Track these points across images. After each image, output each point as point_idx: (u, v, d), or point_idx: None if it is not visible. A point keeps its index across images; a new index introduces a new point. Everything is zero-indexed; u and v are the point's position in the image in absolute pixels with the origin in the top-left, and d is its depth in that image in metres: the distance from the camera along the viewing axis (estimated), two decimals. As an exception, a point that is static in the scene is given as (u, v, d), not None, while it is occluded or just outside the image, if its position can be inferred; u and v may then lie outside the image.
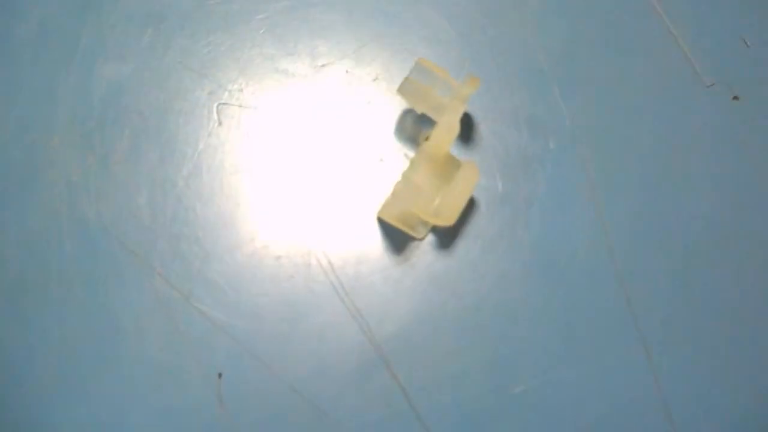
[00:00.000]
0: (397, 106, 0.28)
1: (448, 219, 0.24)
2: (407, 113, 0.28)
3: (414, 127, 0.28)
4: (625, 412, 0.24)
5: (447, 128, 0.25)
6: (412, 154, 0.28)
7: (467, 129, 0.28)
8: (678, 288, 0.26)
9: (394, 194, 0.25)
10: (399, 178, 0.24)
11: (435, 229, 0.27)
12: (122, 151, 0.27)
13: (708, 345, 0.25)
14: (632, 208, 0.27)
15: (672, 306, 0.26)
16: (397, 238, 0.26)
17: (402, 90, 0.26)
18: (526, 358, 0.25)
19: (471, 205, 0.27)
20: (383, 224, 0.26)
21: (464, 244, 0.26)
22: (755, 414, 0.25)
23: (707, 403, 0.25)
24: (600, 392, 0.25)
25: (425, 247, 0.26)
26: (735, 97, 0.30)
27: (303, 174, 0.27)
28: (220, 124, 0.28)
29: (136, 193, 0.27)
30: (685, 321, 0.26)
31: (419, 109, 0.27)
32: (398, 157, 0.28)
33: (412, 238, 0.26)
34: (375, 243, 0.26)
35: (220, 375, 0.24)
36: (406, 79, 0.26)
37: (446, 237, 0.26)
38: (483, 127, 0.28)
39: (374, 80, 0.29)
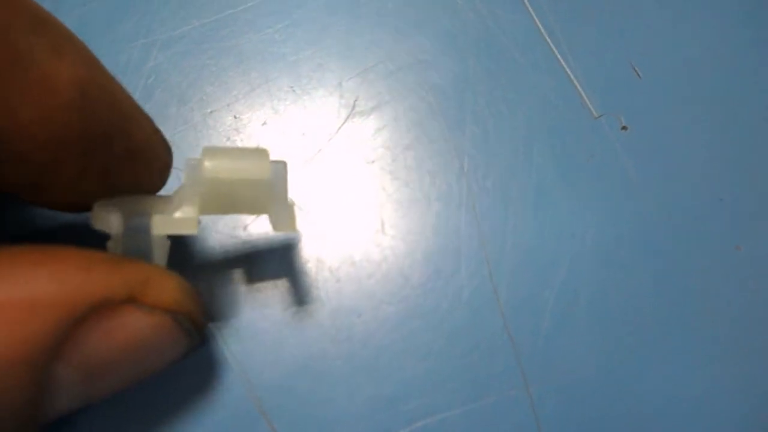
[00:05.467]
0: (285, 150, 0.28)
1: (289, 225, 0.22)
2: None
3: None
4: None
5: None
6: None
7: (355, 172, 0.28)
8: (557, 320, 0.26)
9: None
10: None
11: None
12: None
13: (586, 380, 0.25)
14: (516, 240, 0.27)
15: (553, 347, 0.26)
16: (279, 283, 0.26)
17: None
18: (410, 400, 0.24)
19: (360, 253, 0.27)
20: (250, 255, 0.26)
21: (349, 287, 0.26)
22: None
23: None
24: (484, 429, 0.24)
25: (310, 292, 0.26)
26: (624, 127, 0.30)
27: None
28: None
29: None
30: (564, 359, 0.26)
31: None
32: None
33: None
34: (252, 288, 0.26)
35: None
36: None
37: (330, 281, 0.26)
38: (376, 165, 0.28)
39: (263, 125, 0.29)
